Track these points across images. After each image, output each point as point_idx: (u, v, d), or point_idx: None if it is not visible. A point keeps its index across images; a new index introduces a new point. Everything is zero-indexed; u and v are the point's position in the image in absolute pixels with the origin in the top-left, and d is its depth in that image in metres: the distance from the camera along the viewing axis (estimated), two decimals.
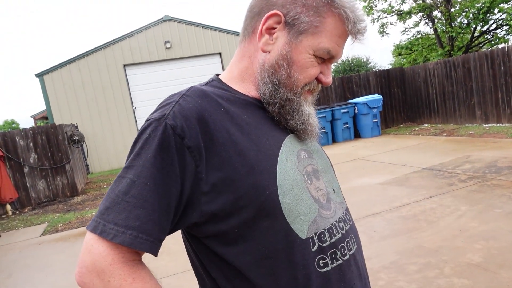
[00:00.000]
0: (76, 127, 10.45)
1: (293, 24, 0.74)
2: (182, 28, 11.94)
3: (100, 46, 11.24)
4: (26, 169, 7.22)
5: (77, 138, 8.33)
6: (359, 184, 5.28)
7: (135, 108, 11.58)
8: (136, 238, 0.63)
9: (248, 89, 0.81)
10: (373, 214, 3.98)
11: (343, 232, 0.79)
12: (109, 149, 11.27)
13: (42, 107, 22.74)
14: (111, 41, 11.35)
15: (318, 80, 0.79)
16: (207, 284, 0.76)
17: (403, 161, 6.27)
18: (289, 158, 0.75)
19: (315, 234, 0.73)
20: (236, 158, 0.69)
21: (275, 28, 0.76)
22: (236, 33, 12.47)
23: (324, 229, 0.75)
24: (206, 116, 0.70)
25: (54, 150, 7.41)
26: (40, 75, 10.78)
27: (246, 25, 0.81)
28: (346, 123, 9.61)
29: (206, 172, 0.67)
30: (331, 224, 0.77)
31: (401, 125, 10.86)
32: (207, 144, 0.68)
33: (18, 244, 4.94)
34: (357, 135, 9.88)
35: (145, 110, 11.69)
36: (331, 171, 0.88)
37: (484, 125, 8.53)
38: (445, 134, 8.43)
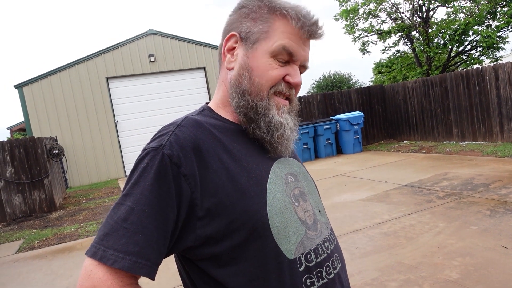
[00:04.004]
0: (56, 140, 10.24)
1: (247, 37, 0.81)
2: (166, 42, 11.98)
3: (83, 58, 11.14)
4: (1, 183, 7.00)
5: (56, 151, 8.15)
6: (341, 200, 5.34)
7: (117, 121, 11.46)
8: (135, 263, 0.66)
9: (233, 113, 0.85)
10: (355, 230, 4.03)
11: (328, 251, 0.83)
12: (89, 163, 11.06)
13: (20, 118, 22.19)
14: (94, 53, 11.27)
15: (286, 82, 0.81)
16: None
17: (383, 177, 6.40)
18: (277, 182, 0.80)
19: (302, 254, 0.77)
20: (228, 184, 0.73)
21: (234, 48, 0.83)
22: None
23: (311, 249, 0.79)
24: (200, 145, 0.74)
25: (32, 164, 7.23)
26: (19, 87, 10.56)
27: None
28: (329, 139, 9.76)
29: (201, 198, 0.71)
30: (317, 244, 0.81)
31: (382, 142, 11.10)
32: (201, 171, 0.72)
33: None
34: (339, 151, 10.03)
35: (127, 123, 11.57)
36: (316, 192, 0.93)
37: (461, 143, 8.82)
38: (423, 151, 8.66)
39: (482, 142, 8.39)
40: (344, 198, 5.42)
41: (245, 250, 0.73)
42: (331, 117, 10.04)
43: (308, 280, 0.76)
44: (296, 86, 0.83)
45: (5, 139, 10.70)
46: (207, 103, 0.91)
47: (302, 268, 0.76)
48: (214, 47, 12.49)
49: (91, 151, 11.10)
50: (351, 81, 25.01)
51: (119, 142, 11.44)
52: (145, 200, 0.68)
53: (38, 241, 5.39)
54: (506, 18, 12.00)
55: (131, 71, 11.57)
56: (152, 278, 0.68)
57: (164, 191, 0.69)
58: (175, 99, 12.03)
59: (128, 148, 11.55)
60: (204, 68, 12.36)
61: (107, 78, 11.35)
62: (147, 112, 11.75)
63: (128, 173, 11.36)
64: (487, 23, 12.86)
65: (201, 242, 0.72)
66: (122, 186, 9.64)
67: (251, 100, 0.79)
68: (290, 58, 0.80)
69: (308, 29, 0.79)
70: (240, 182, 0.74)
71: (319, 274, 0.78)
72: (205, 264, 0.75)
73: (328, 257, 0.82)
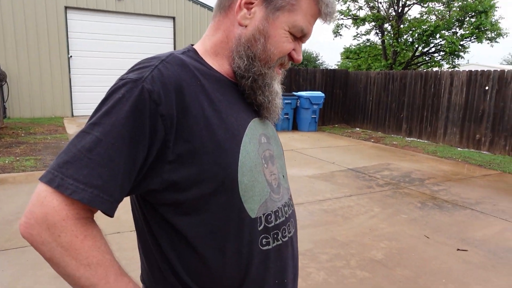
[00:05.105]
0: None
1: (271, 0, 0.77)
2: None
3: None
4: None
5: None
6: (289, 174, 5.49)
7: (71, 56, 10.67)
8: (96, 196, 0.62)
9: (222, 64, 0.82)
10: (297, 204, 4.19)
11: (286, 216, 0.85)
12: (34, 96, 10.29)
13: None
14: None
15: (290, 56, 0.82)
16: (151, 250, 0.77)
17: (332, 158, 6.65)
18: (252, 141, 0.79)
19: (263, 214, 0.78)
20: (205, 133, 0.70)
21: (253, 3, 0.78)
22: (195, 1, 12.00)
23: (272, 211, 0.80)
24: (183, 86, 0.70)
25: None
26: None
27: (221, 3, 0.82)
28: (287, 114, 9.88)
29: (174, 142, 0.68)
30: (278, 208, 0.82)
31: (336, 125, 11.45)
32: (179, 114, 0.68)
33: None
34: (295, 127, 10.22)
35: (82, 61, 10.83)
36: (283, 158, 0.94)
37: (407, 138, 9.35)
38: (372, 140, 9.08)
39: (425, 141, 8.95)
40: (292, 172, 5.58)
41: (210, 202, 0.72)
42: (294, 93, 10.13)
43: (264, 240, 0.78)
44: (297, 62, 0.84)
45: None
46: (192, 45, 0.85)
47: (261, 227, 0.78)
48: None
49: (38, 83, 10.30)
50: (318, 61, 25.24)
51: (70, 79, 10.72)
52: (116, 133, 0.64)
53: None
54: (472, 28, 12.59)
55: (94, 5, 10.71)
56: (111, 215, 0.65)
57: (138, 128, 0.65)
58: (138, 44, 11.39)
59: (79, 87, 10.88)
60: (173, 18, 11.76)
61: (66, 8, 10.43)
62: (105, 53, 11.05)
63: (76, 113, 10.81)
64: (454, 30, 13.42)
65: (166, 186, 0.70)
66: (67, 125, 9.14)
67: (261, 67, 0.79)
68: (300, 36, 0.81)
69: (329, 18, 0.81)
70: (217, 133, 0.72)
71: (275, 236, 0.80)
72: (165, 209, 0.73)
73: (286, 221, 0.84)
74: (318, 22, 0.84)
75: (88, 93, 10.97)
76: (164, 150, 0.68)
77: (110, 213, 0.65)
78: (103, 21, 10.97)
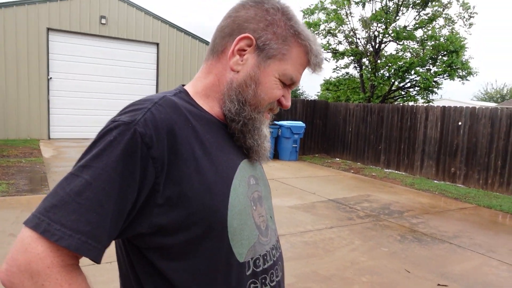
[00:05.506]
0: None
1: (263, 48, 0.79)
2: (122, 7, 11.30)
3: (24, 1, 10.05)
4: None
5: None
6: None
7: (51, 78, 10.51)
8: (84, 243, 0.60)
9: (212, 106, 0.83)
10: (279, 235, 4.12)
11: (274, 259, 0.84)
12: (8, 116, 9.99)
13: None
14: None
15: (278, 102, 0.85)
16: None
17: (313, 189, 6.67)
18: (241, 183, 0.79)
19: (251, 259, 0.77)
20: (195, 176, 0.70)
21: (245, 50, 0.80)
22: (179, 28, 12.18)
23: (260, 255, 0.79)
24: (175, 130, 0.70)
25: None
26: None
27: (216, 44, 0.84)
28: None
29: (163, 185, 0.67)
30: (266, 251, 0.81)
31: (317, 155, 11.58)
32: (171, 157, 0.68)
33: None
34: (276, 156, 10.26)
35: (62, 83, 10.68)
36: (270, 198, 0.94)
37: (385, 170, 9.52)
38: (352, 171, 9.20)
39: (403, 173, 9.15)
40: (274, 202, 5.48)
41: (198, 246, 0.71)
42: (275, 122, 10.24)
43: (252, 285, 0.77)
44: (285, 108, 0.87)
45: None
46: (183, 85, 0.86)
47: (249, 272, 0.76)
48: (172, 25, 12.06)
49: (14, 103, 10.03)
50: (298, 91, 25.80)
51: (48, 100, 10.50)
52: (107, 177, 0.62)
53: None
54: (444, 66, 13.26)
55: (77, 29, 10.70)
56: (98, 261, 0.63)
57: (129, 171, 0.64)
58: (120, 68, 11.38)
59: (57, 109, 10.66)
60: (157, 44, 11.87)
61: (48, 29, 10.37)
62: (87, 75, 10.95)
63: (52, 135, 10.52)
64: (428, 67, 14.09)
65: (154, 230, 0.69)
66: (43, 148, 8.85)
67: (251, 111, 0.81)
68: (289, 84, 0.84)
69: (318, 68, 0.85)
70: (207, 177, 0.71)
71: (263, 280, 0.79)
72: (152, 253, 0.71)
73: (274, 265, 0.83)
74: (306, 71, 0.87)
75: (67, 115, 10.77)
76: (154, 193, 0.67)
77: (97, 260, 0.63)
78: (86, 44, 10.94)
